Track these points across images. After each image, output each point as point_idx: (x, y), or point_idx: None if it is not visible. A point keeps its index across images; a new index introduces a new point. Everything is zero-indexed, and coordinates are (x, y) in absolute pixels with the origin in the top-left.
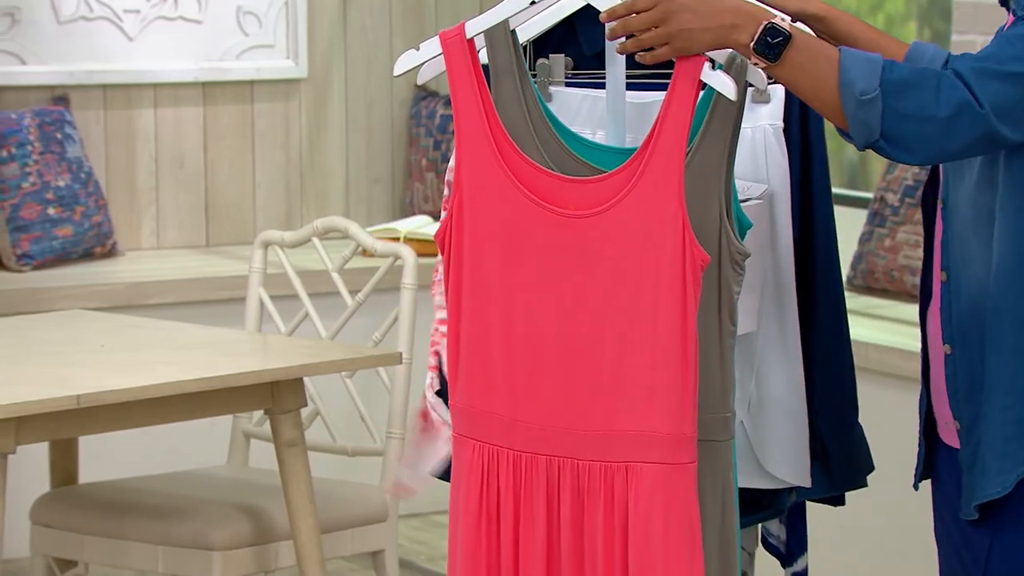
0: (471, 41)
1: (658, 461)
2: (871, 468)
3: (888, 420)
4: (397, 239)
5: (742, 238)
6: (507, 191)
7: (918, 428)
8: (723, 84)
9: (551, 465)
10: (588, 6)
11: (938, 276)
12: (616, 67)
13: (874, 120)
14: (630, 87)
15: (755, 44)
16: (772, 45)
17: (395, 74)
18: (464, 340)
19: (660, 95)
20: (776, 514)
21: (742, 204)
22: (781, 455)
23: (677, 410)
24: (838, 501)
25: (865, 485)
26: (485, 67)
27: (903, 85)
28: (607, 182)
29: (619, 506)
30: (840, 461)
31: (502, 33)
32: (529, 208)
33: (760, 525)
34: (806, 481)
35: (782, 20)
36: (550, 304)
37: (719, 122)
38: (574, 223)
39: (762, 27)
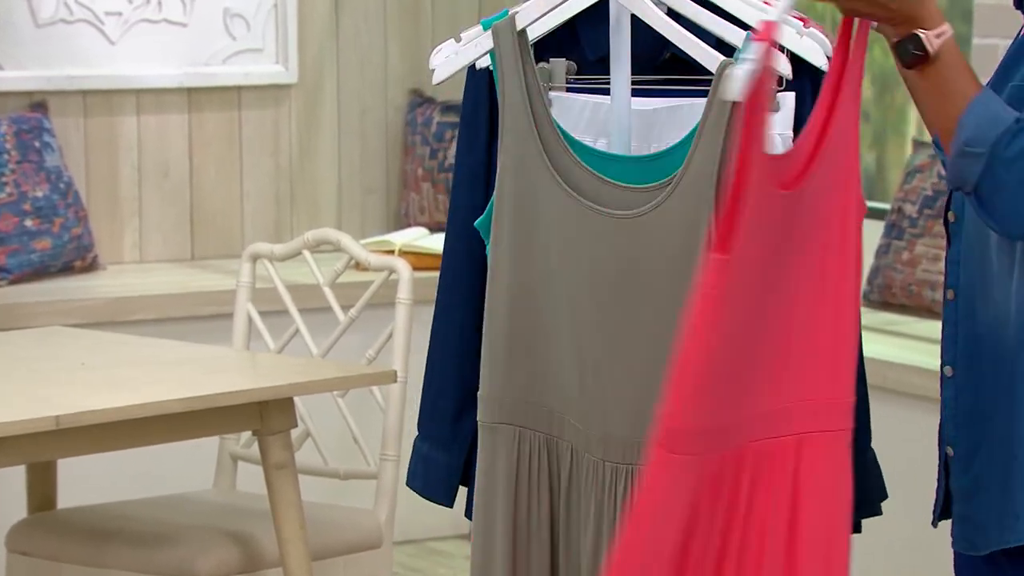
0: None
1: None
2: (884, 496)
3: (907, 442)
4: (392, 252)
5: None
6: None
7: (938, 459)
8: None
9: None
10: (591, 8)
11: (948, 294)
12: (621, 73)
13: (970, 176)
14: (634, 93)
15: (896, 44)
16: (910, 53)
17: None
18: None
19: (665, 101)
20: None
21: None
22: None
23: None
24: (853, 529)
25: (879, 513)
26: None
27: (1017, 158)
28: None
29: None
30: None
31: (509, 33)
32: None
33: None
34: None
35: (936, 37)
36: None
37: (711, 132)
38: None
39: (909, 34)
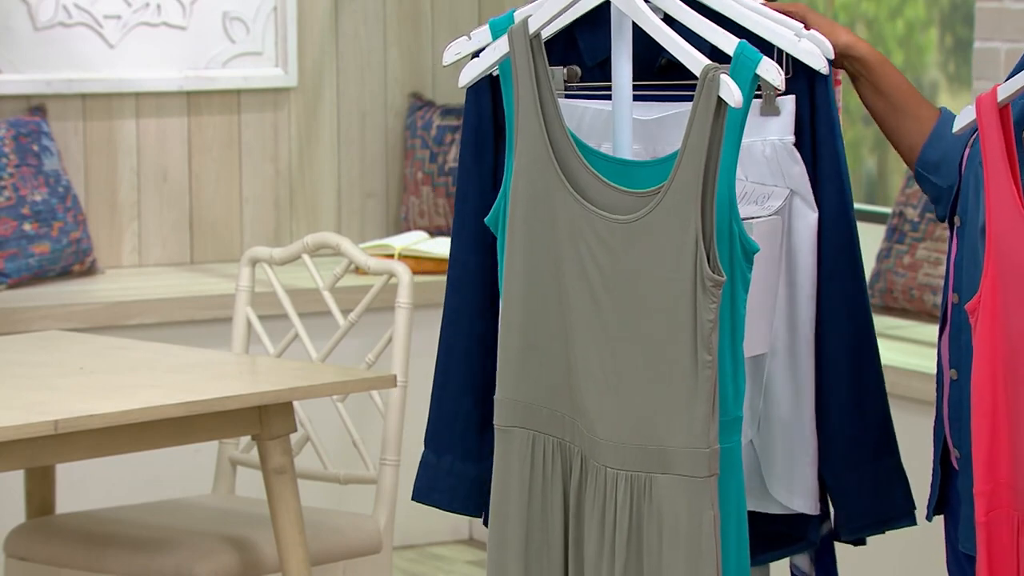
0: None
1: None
2: (906, 511)
3: (909, 446)
4: (391, 256)
5: (749, 263)
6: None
7: (932, 456)
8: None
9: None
10: (589, 13)
11: (951, 297)
12: (623, 77)
13: None
14: (636, 98)
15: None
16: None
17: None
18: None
19: (669, 107)
20: (808, 547)
21: (753, 220)
22: (785, 479)
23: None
24: (858, 540)
25: (890, 529)
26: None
27: None
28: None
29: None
30: (853, 500)
31: (523, 36)
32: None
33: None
34: (812, 509)
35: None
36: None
37: (696, 138)
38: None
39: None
